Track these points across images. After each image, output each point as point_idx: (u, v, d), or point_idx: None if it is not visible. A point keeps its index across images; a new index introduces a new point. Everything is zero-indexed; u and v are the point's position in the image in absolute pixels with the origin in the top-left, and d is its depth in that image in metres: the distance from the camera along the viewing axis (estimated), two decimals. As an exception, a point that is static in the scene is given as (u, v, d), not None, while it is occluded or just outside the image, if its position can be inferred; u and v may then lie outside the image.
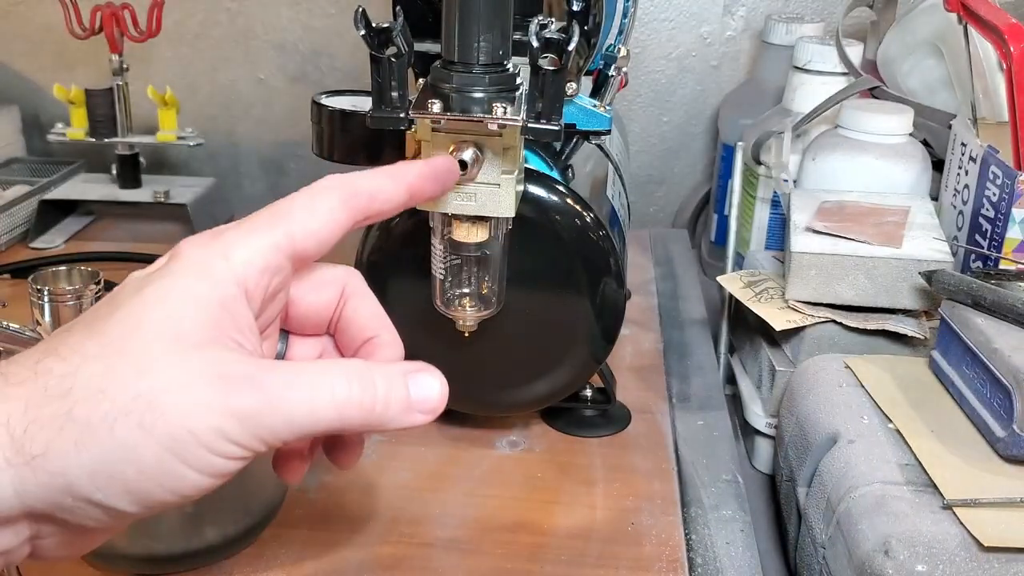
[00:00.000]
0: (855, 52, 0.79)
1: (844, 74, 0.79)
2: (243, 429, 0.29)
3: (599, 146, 0.67)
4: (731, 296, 0.70)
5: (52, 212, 0.93)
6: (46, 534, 0.30)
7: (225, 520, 0.48)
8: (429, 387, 0.33)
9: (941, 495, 0.46)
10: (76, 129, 0.93)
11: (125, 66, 0.92)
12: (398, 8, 0.43)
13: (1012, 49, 0.61)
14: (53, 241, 0.90)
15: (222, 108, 1.09)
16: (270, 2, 1.05)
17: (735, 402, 0.70)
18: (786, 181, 0.73)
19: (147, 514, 0.30)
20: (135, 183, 0.95)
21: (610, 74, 0.60)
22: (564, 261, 0.54)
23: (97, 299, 0.57)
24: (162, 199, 0.92)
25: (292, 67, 1.07)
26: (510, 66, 0.43)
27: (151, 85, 0.93)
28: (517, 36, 0.44)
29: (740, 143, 0.78)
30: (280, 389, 0.30)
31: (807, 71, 0.80)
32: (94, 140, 0.93)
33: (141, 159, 0.95)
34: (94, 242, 0.91)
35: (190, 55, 1.07)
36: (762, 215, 0.82)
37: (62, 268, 0.57)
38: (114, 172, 0.95)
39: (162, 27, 0.92)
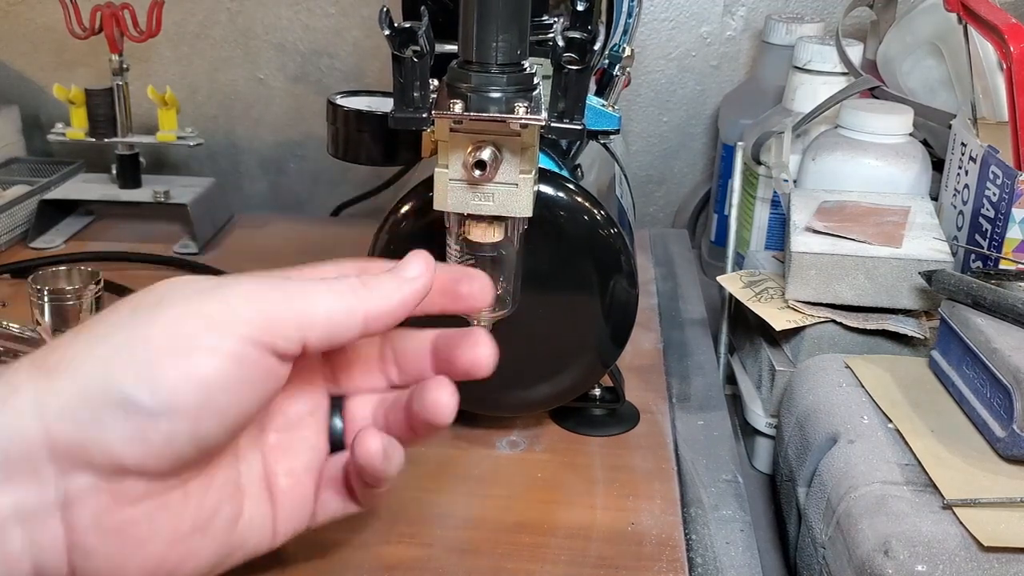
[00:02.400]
0: (855, 52, 0.79)
1: (844, 74, 0.79)
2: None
3: (604, 146, 0.67)
4: (731, 296, 0.70)
5: (52, 212, 0.93)
6: (76, 493, 0.28)
7: (225, 520, 0.48)
8: (411, 263, 0.35)
9: (941, 495, 0.46)
10: (76, 129, 0.93)
11: (125, 66, 0.92)
12: (423, 8, 0.43)
13: (1012, 49, 0.61)
14: (53, 241, 0.90)
15: (222, 108, 1.09)
16: (270, 2, 1.05)
17: (735, 402, 0.70)
18: (786, 181, 0.73)
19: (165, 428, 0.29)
20: (135, 183, 0.95)
21: (615, 74, 0.60)
22: (576, 260, 0.54)
23: (97, 299, 0.58)
24: (162, 199, 0.92)
25: (292, 67, 1.07)
26: (527, 65, 0.43)
27: (151, 85, 0.93)
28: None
29: (740, 143, 0.78)
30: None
31: (807, 71, 0.80)
32: (94, 140, 0.93)
33: (141, 159, 0.95)
34: (94, 242, 0.91)
35: (190, 55, 1.07)
36: (762, 215, 0.82)
37: (62, 268, 0.57)
38: (114, 172, 0.94)
39: (162, 27, 0.92)
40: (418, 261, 0.36)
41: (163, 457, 0.29)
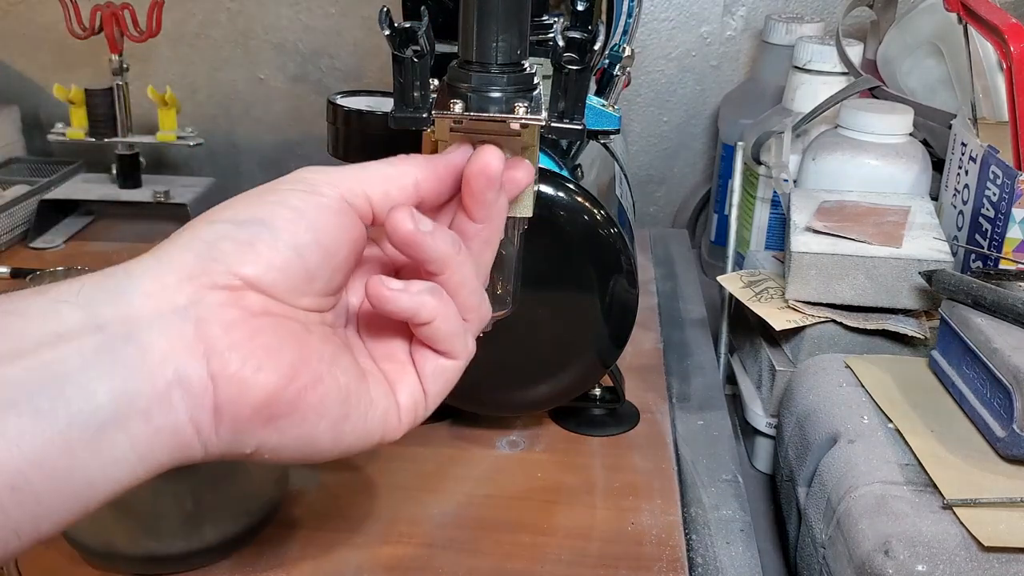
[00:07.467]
0: (855, 52, 0.79)
1: (844, 74, 0.79)
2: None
3: (605, 146, 0.67)
4: (731, 296, 0.70)
5: (52, 212, 0.93)
6: (207, 308, 0.32)
7: (225, 520, 0.48)
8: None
9: (941, 495, 0.46)
10: (76, 129, 0.93)
11: (125, 66, 0.92)
12: (423, 8, 0.43)
13: (1012, 49, 0.61)
14: (53, 241, 0.90)
15: (222, 108, 1.09)
16: (270, 2, 1.05)
17: (735, 402, 0.70)
18: (786, 181, 0.73)
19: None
20: (135, 183, 0.95)
21: (615, 73, 0.60)
22: (576, 260, 0.54)
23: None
24: (162, 199, 0.92)
25: (292, 67, 1.07)
26: (527, 65, 0.43)
27: (151, 85, 0.93)
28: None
29: (740, 143, 0.78)
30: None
31: (807, 71, 0.80)
32: (94, 140, 0.93)
33: (141, 159, 0.95)
34: (94, 242, 0.91)
35: (190, 55, 1.07)
36: (762, 215, 0.82)
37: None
38: (114, 172, 0.95)
39: (162, 27, 0.92)
40: (458, 145, 0.41)
41: (272, 267, 0.33)
